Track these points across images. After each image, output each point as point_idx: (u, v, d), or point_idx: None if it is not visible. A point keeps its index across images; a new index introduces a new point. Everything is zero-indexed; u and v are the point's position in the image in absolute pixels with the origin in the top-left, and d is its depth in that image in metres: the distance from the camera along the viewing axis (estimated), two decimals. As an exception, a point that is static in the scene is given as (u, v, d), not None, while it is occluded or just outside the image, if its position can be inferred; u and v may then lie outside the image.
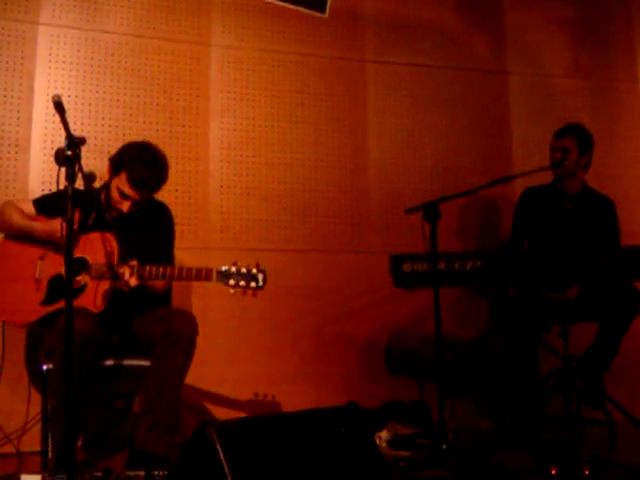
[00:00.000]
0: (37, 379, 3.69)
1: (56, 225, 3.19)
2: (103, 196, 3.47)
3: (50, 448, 3.15)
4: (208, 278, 3.18)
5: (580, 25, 5.19)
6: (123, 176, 3.32)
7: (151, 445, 3.13)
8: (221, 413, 4.14)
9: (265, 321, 4.36)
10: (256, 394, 4.25)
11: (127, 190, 3.34)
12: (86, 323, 3.01)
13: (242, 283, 3.16)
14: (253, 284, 3.17)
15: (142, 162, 3.37)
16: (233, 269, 3.17)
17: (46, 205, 3.47)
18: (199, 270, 3.19)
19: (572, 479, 2.97)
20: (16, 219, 3.39)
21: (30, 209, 3.47)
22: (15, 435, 3.62)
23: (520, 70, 5.06)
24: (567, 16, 5.18)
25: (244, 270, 3.17)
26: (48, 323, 3.21)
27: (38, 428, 3.45)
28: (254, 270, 3.18)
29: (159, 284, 3.39)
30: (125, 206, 3.36)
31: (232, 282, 3.16)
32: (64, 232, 3.15)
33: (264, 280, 3.18)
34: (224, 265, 3.19)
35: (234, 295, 3.18)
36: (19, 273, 3.34)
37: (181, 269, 3.22)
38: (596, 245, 4.08)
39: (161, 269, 3.22)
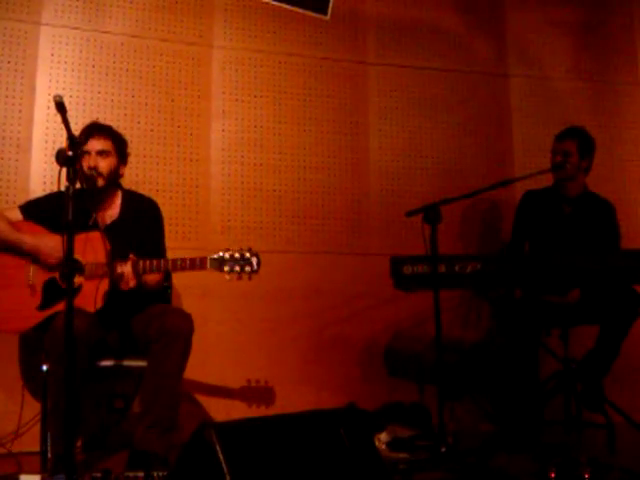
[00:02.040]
0: (31, 381, 3.69)
1: (44, 246, 3.27)
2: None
3: (49, 449, 3.15)
4: (203, 266, 3.19)
5: (581, 28, 5.20)
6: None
7: (149, 444, 3.13)
8: (220, 414, 4.14)
9: (265, 322, 4.37)
10: (256, 395, 4.25)
11: (85, 146, 3.38)
12: (81, 323, 2.99)
13: (237, 268, 3.17)
14: (248, 268, 3.18)
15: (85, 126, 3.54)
16: (226, 255, 3.18)
17: (35, 210, 3.47)
18: (193, 259, 3.20)
19: (571, 482, 2.98)
20: (3, 230, 3.36)
21: (17, 216, 3.46)
22: (9, 438, 3.62)
23: (521, 72, 5.06)
24: (568, 18, 5.18)
25: (237, 255, 3.18)
26: (44, 328, 3.21)
27: (37, 429, 3.45)
28: (247, 254, 3.19)
29: (153, 279, 3.39)
30: (92, 161, 3.38)
31: (227, 268, 3.17)
32: (51, 259, 3.24)
33: (258, 264, 3.19)
34: (217, 252, 3.20)
35: (230, 282, 3.19)
36: (12, 280, 3.33)
37: (175, 260, 3.23)
38: (596, 248, 4.07)
39: (155, 262, 3.23)
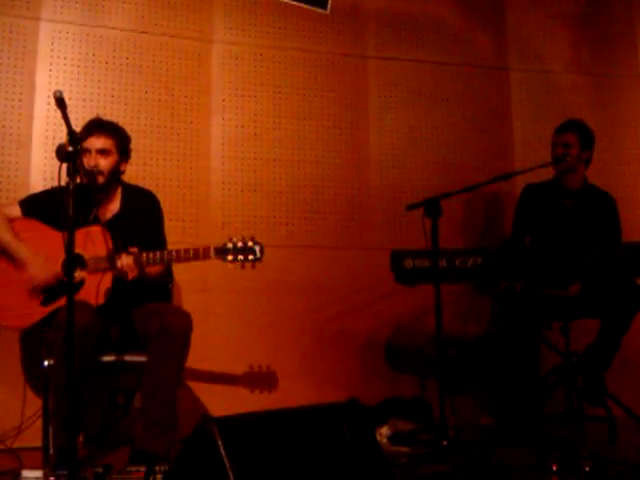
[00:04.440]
0: (33, 376, 3.69)
1: (33, 267, 3.27)
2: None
3: (51, 444, 3.15)
4: (206, 256, 3.22)
5: (581, 21, 5.19)
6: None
7: (149, 444, 3.13)
8: (222, 409, 4.13)
9: (266, 317, 4.37)
10: (257, 390, 4.25)
11: (86, 144, 3.35)
12: (84, 315, 3.00)
13: (240, 257, 3.22)
14: (251, 257, 3.22)
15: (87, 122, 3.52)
16: (229, 245, 3.23)
17: (34, 205, 3.47)
18: (196, 250, 3.23)
19: (573, 475, 2.97)
20: (3, 235, 3.36)
21: (16, 212, 3.45)
22: (11, 434, 3.62)
23: (521, 66, 5.05)
24: (568, 12, 5.17)
25: (240, 244, 3.23)
26: (47, 323, 3.21)
27: (38, 424, 3.45)
28: (250, 243, 3.24)
29: (155, 270, 3.40)
30: (92, 159, 3.37)
31: (230, 257, 3.22)
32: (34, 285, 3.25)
33: (261, 251, 3.24)
34: (220, 242, 3.24)
35: (231, 276, 3.26)
36: (14, 276, 3.32)
37: (179, 251, 3.24)
38: (597, 242, 4.07)
39: (159, 253, 3.24)
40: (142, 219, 3.53)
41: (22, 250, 3.32)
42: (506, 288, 4.22)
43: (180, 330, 3.22)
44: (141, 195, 3.64)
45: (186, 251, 3.23)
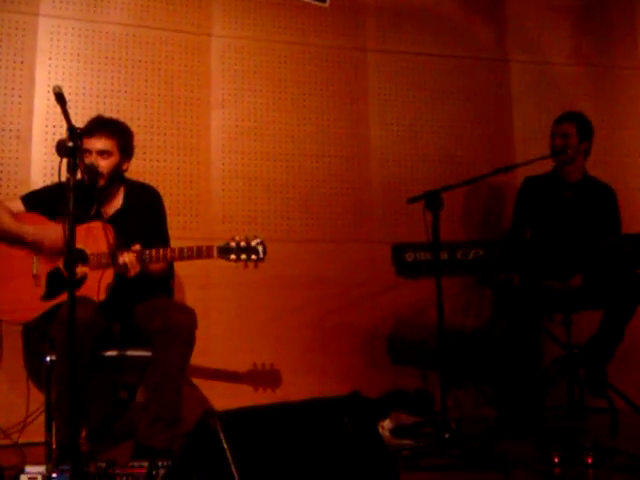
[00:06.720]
0: (36, 372, 3.70)
1: (47, 238, 3.27)
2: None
3: (53, 439, 3.16)
4: (209, 255, 3.20)
5: (581, 12, 5.17)
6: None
7: (152, 439, 3.13)
8: (224, 403, 4.14)
9: (267, 311, 4.37)
10: (259, 383, 4.26)
11: (86, 144, 3.32)
12: (86, 311, 3.00)
13: (243, 256, 3.19)
14: (254, 256, 3.20)
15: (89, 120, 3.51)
16: (233, 244, 3.20)
17: (36, 200, 3.47)
18: (200, 248, 3.20)
19: (575, 467, 2.98)
20: (6, 222, 3.37)
21: (19, 207, 3.46)
22: (15, 430, 3.63)
23: (521, 58, 5.04)
24: (568, 3, 5.16)
25: (243, 244, 3.20)
26: (48, 318, 3.22)
27: (41, 420, 3.46)
28: (253, 243, 3.21)
29: (158, 267, 3.40)
30: (93, 158, 3.35)
31: (233, 257, 3.19)
32: (55, 249, 3.24)
33: (264, 252, 3.21)
34: (223, 241, 3.22)
35: (232, 271, 3.23)
36: (16, 270, 3.33)
37: (182, 249, 3.23)
38: (598, 233, 4.07)
39: (161, 251, 3.23)
40: (145, 215, 3.52)
41: (29, 231, 3.33)
42: (505, 280, 4.23)
43: (185, 327, 3.21)
44: (144, 191, 3.63)
45: (189, 249, 3.22)
